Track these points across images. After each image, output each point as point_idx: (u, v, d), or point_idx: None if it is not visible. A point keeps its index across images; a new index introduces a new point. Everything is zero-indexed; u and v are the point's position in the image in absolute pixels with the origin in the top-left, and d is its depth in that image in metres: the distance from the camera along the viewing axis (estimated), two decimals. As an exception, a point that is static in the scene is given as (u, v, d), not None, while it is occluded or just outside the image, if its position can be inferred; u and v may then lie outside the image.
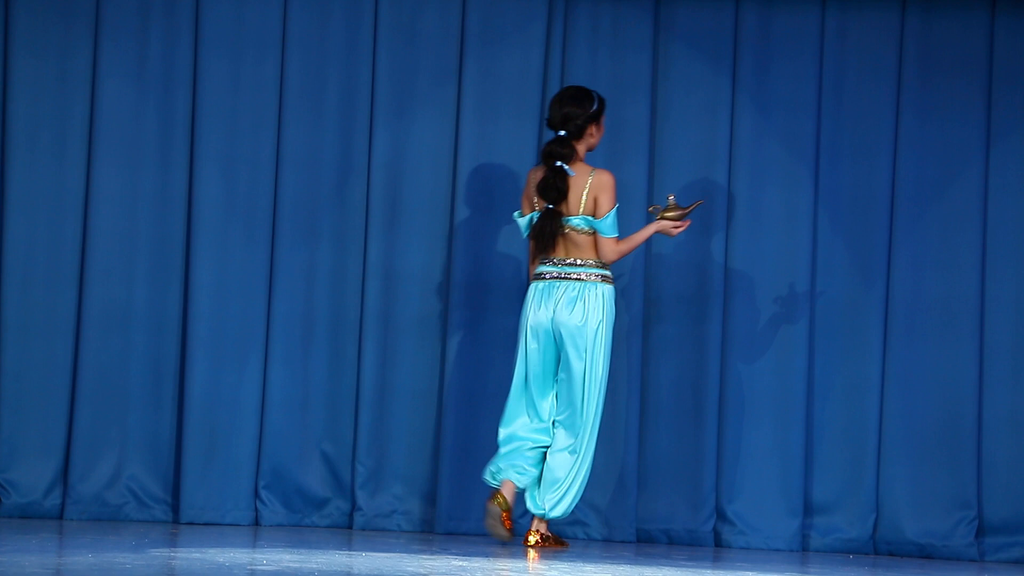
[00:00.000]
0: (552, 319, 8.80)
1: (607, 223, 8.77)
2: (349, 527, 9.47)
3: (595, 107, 8.84)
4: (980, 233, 9.72)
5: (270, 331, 9.51)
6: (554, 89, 9.59)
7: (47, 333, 9.40)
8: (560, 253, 8.83)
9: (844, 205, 9.77)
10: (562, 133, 8.79)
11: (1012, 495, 9.62)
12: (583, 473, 8.78)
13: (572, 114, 8.79)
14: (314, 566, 7.46)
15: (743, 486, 9.61)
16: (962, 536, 9.60)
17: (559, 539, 8.92)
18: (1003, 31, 9.76)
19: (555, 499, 8.76)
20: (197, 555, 7.75)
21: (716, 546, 9.56)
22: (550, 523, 9.02)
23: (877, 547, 9.64)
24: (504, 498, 8.73)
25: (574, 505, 8.83)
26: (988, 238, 9.73)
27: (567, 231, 8.81)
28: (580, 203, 8.78)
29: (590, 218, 8.78)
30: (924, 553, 9.60)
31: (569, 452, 8.76)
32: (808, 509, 9.62)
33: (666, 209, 8.93)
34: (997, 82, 9.75)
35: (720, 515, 9.61)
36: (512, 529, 8.79)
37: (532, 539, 8.79)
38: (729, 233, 9.66)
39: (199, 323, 9.43)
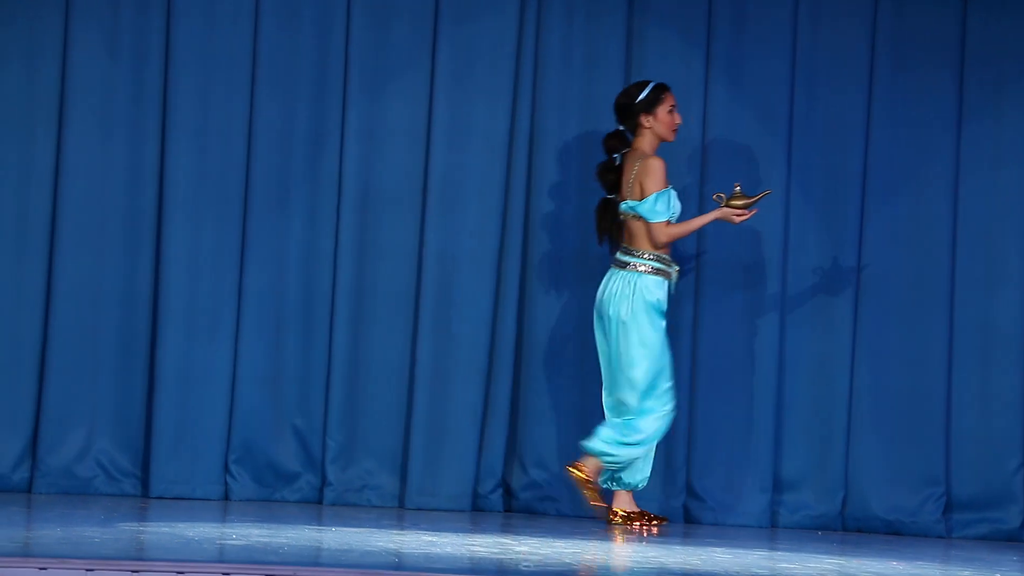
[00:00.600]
0: (599, 304, 9.06)
1: (646, 207, 8.95)
2: (319, 502, 9.47)
3: (642, 96, 9.06)
4: (951, 210, 9.75)
5: (242, 305, 9.49)
6: (528, 65, 9.59)
7: (16, 305, 9.37)
8: (623, 241, 9.10)
9: (816, 181, 9.78)
10: (620, 127, 9.13)
11: (980, 471, 9.66)
12: (623, 457, 8.87)
13: (621, 105, 9.11)
14: (284, 540, 7.46)
15: (713, 462, 9.63)
16: (930, 512, 9.64)
17: (642, 515, 8.99)
18: (975, 9, 9.77)
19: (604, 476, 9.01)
20: (166, 529, 7.75)
21: (686, 522, 9.58)
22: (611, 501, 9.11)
23: (846, 523, 9.68)
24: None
25: (621, 485, 8.96)
26: (959, 215, 9.75)
27: (623, 218, 9.09)
28: (629, 190, 9.03)
29: (633, 202, 8.90)
30: (892, 529, 9.64)
31: (604, 439, 8.87)
32: (777, 485, 9.65)
33: (731, 197, 9.06)
34: (969, 61, 9.77)
35: (690, 491, 9.63)
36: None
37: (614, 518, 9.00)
38: (701, 208, 9.66)
39: (170, 296, 9.40)
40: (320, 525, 8.37)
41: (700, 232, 9.55)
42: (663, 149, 9.22)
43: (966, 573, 7.81)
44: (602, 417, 9.22)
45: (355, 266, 9.56)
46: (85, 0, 9.39)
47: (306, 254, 9.57)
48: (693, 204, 9.63)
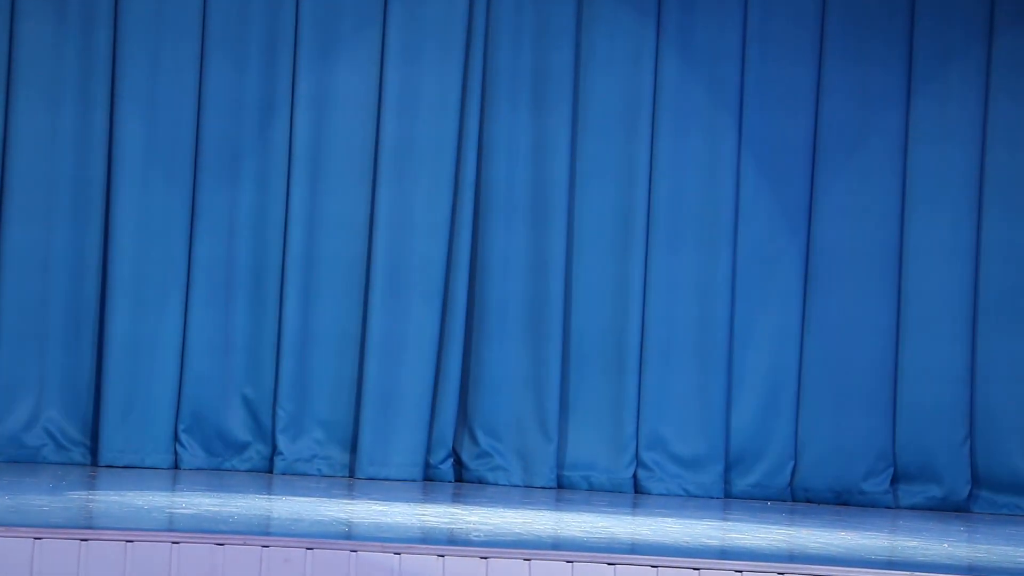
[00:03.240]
0: None
1: None
2: (269, 471, 9.45)
3: None
4: (900, 181, 9.80)
5: (191, 274, 9.45)
6: (479, 34, 9.57)
7: (-37, 275, 9.31)
8: None
9: (768, 153, 9.80)
10: None
11: (927, 443, 9.73)
12: None
13: None
14: (233, 509, 7.45)
15: (664, 433, 9.66)
16: (878, 483, 9.70)
17: None
18: (924, -22, 9.83)
19: None
20: (115, 498, 7.72)
21: (636, 492, 9.61)
22: None
23: (795, 494, 9.73)
24: None
25: None
26: (907, 186, 9.80)
27: None
28: None
29: None
30: (841, 500, 9.69)
31: None
32: (728, 456, 9.69)
33: None
34: (919, 30, 9.80)
35: (640, 462, 9.65)
36: None
37: None
38: (652, 180, 9.67)
39: (119, 265, 9.35)
40: (270, 495, 8.35)
41: (651, 201, 9.56)
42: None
43: (914, 543, 7.87)
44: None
45: (306, 235, 9.52)
46: (33, -34, 9.33)
47: (256, 222, 9.54)
48: (645, 175, 9.64)
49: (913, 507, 9.70)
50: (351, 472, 9.50)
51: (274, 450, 9.47)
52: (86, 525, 6.67)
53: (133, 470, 9.20)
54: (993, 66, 9.80)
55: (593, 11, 9.70)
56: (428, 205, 9.57)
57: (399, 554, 6.38)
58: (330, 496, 8.40)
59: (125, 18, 9.35)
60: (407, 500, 8.46)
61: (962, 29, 9.80)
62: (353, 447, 9.50)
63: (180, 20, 9.42)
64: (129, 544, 6.26)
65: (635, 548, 7.01)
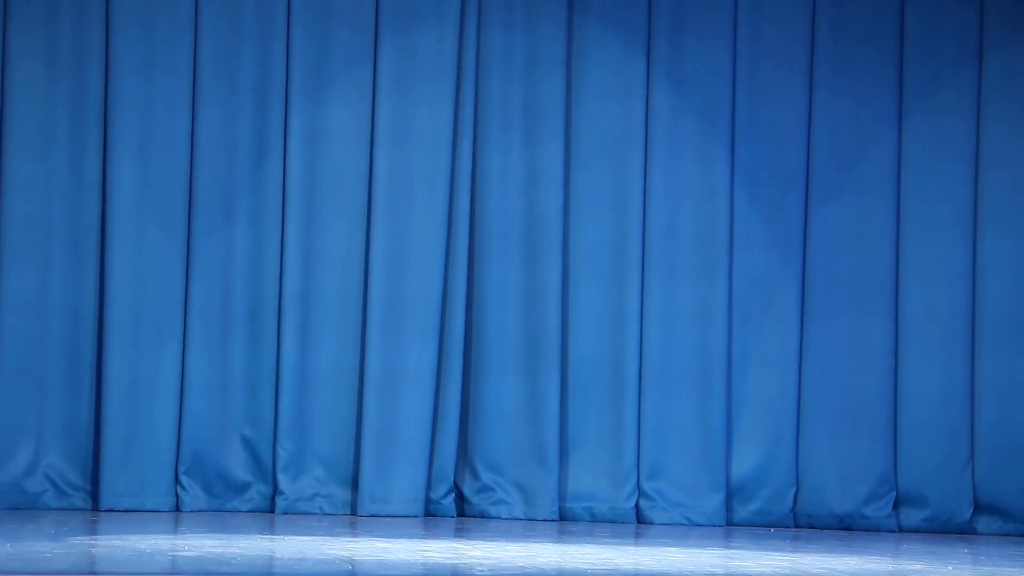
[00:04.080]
0: None
1: None
2: (271, 511, 9.43)
3: None
4: (894, 205, 9.81)
5: (188, 315, 9.44)
6: (469, 67, 9.59)
7: (-40, 321, 9.30)
8: None
9: (761, 179, 9.81)
10: None
11: (929, 466, 9.72)
12: None
13: None
14: (236, 550, 7.43)
15: (664, 462, 9.65)
16: (880, 507, 9.70)
17: None
18: (913, 1, 9.83)
19: None
20: (118, 542, 7.71)
21: (639, 522, 9.60)
22: None
23: (798, 520, 9.72)
24: None
25: None
26: (902, 207, 9.81)
27: None
28: None
29: None
30: (844, 525, 9.68)
31: None
32: (729, 483, 9.68)
33: None
34: (908, 53, 9.82)
35: (642, 492, 9.64)
36: None
37: None
38: (646, 209, 9.68)
39: (116, 308, 9.34)
40: (273, 534, 8.34)
41: (645, 229, 9.58)
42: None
43: (918, 566, 7.85)
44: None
45: (301, 273, 9.53)
46: (22, 10, 9.33)
47: (252, 262, 9.54)
48: (639, 204, 9.65)
49: (916, 530, 9.68)
50: (353, 510, 9.48)
51: (275, 490, 9.46)
52: (89, 571, 6.66)
53: (134, 514, 9.18)
54: (984, 85, 9.83)
55: (583, 41, 9.73)
56: (423, 239, 9.58)
57: (403, 592, 6.36)
58: (333, 534, 8.38)
59: (116, 60, 9.37)
60: (410, 536, 8.45)
61: (952, 49, 9.83)
62: (354, 484, 9.49)
63: (171, 62, 9.43)
64: (133, 589, 6.25)
65: (639, 579, 6.99)
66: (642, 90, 9.71)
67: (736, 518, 9.67)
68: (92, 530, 8.30)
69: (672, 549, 8.19)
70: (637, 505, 9.63)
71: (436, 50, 9.60)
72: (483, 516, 9.53)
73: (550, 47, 9.66)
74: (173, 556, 7.27)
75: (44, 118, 9.35)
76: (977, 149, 9.83)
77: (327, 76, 9.55)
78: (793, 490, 9.71)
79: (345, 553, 7.56)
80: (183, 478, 9.40)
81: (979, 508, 9.72)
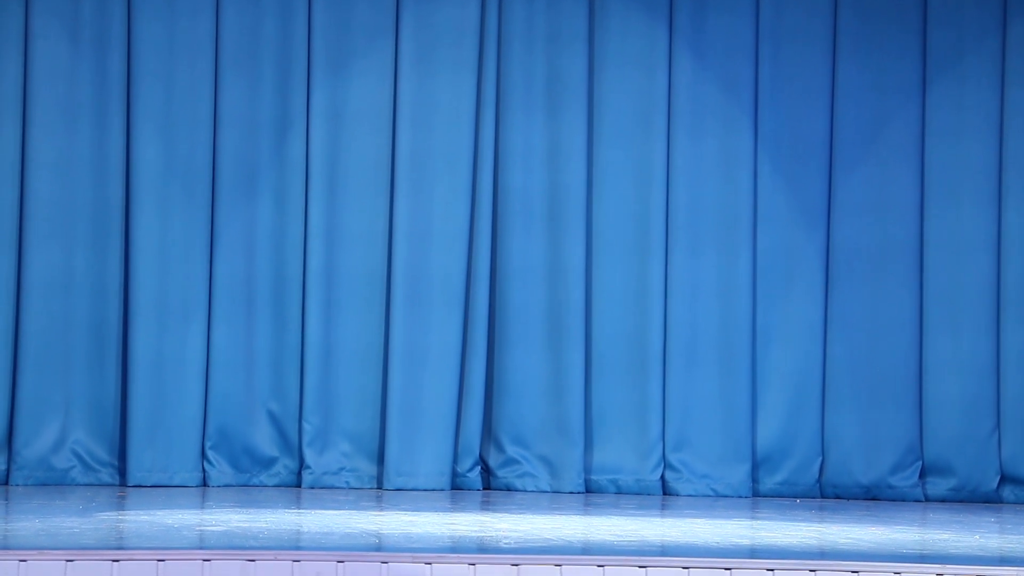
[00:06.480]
0: None
1: None
2: (297, 486, 9.46)
3: None
4: (918, 176, 9.78)
5: (213, 291, 9.47)
6: (491, 40, 9.58)
7: (-13, 300, 9.34)
8: None
9: (784, 150, 9.79)
10: None
11: (955, 435, 9.70)
12: None
13: None
14: (263, 525, 7.46)
15: (689, 434, 9.65)
16: (906, 477, 9.69)
17: None
18: (936, -28, 9.81)
19: None
20: (146, 517, 7.74)
21: (664, 494, 9.60)
22: None
23: (823, 491, 9.71)
24: None
25: None
26: (926, 178, 9.78)
27: None
28: None
29: None
30: (870, 495, 9.68)
31: None
32: (755, 455, 9.68)
33: None
34: (932, 22, 9.78)
35: (667, 464, 9.64)
36: None
37: None
38: (669, 183, 9.67)
39: (141, 285, 9.37)
40: (299, 509, 8.36)
41: (669, 201, 9.57)
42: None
43: (945, 535, 7.85)
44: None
45: (325, 249, 9.54)
46: (46, -10, 9.36)
47: (276, 239, 9.55)
48: (662, 178, 9.64)
49: (942, 500, 9.68)
50: (379, 484, 9.50)
51: (301, 464, 9.48)
52: (117, 546, 6.69)
53: (161, 489, 9.22)
54: (1008, 55, 9.79)
55: (605, 13, 9.71)
56: (446, 214, 9.58)
57: (430, 564, 6.38)
58: (359, 508, 8.40)
59: (138, 39, 9.38)
60: (436, 510, 8.46)
61: (976, 19, 9.79)
62: (380, 458, 9.51)
63: (193, 40, 9.44)
64: (160, 563, 6.28)
65: (665, 550, 7.00)
66: (664, 61, 9.69)
67: (762, 489, 9.67)
68: (120, 506, 8.34)
69: (698, 520, 8.19)
70: (663, 477, 9.63)
71: (458, 23, 9.59)
72: (509, 489, 9.55)
73: (572, 19, 9.64)
74: (200, 531, 7.30)
75: (67, 97, 9.37)
76: (1001, 120, 9.79)
77: (349, 51, 9.55)
78: (819, 461, 9.71)
79: (372, 527, 7.58)
80: (210, 453, 9.43)
81: (1005, 477, 9.71)
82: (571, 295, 9.61)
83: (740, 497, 9.57)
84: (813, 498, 9.66)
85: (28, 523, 7.41)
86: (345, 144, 9.58)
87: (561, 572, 6.41)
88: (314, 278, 9.52)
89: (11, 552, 6.26)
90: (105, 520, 7.61)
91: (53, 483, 9.28)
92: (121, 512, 8.02)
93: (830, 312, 9.75)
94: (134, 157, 9.40)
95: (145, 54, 9.38)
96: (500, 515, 8.21)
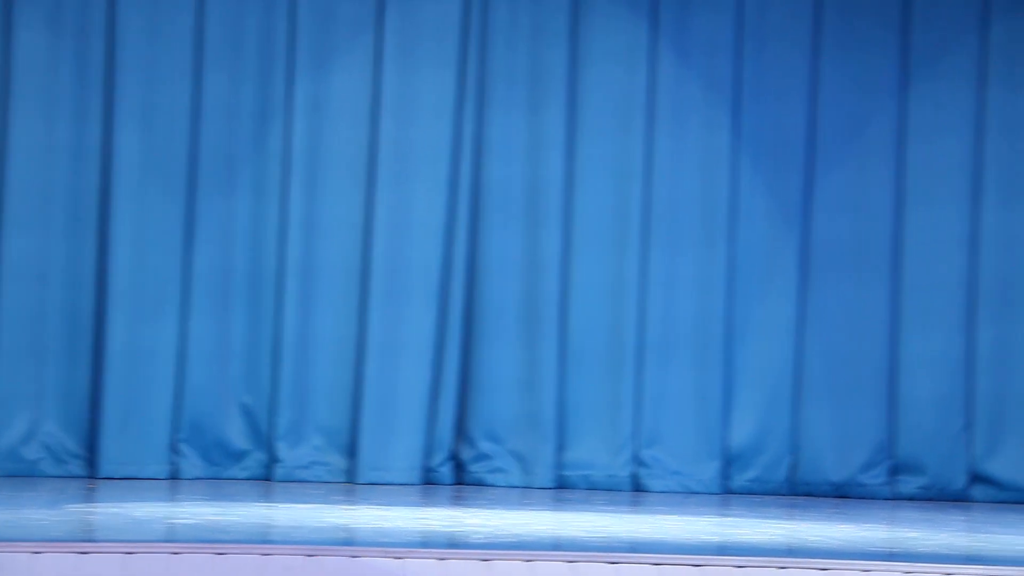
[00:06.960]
0: None
1: None
2: (269, 479, 9.44)
3: None
4: (896, 174, 9.79)
5: (188, 283, 9.45)
6: (475, 36, 9.58)
7: (-41, 288, 9.32)
8: None
9: (764, 146, 9.80)
10: None
11: (925, 433, 9.72)
12: None
13: None
14: (233, 518, 7.46)
15: (662, 430, 9.66)
16: (876, 475, 9.71)
17: None
18: (918, -31, 9.82)
19: None
20: (115, 510, 7.73)
21: (635, 490, 9.60)
22: None
23: (794, 488, 9.73)
24: None
25: None
26: (905, 176, 9.80)
27: None
28: None
29: None
30: (840, 493, 9.69)
31: None
32: (726, 451, 9.69)
33: None
34: (914, 19, 9.79)
35: (639, 459, 9.66)
36: None
37: None
38: (648, 178, 9.68)
39: (116, 276, 9.36)
40: (270, 502, 8.37)
41: (649, 197, 9.57)
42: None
43: (913, 534, 7.87)
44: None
45: (303, 241, 9.53)
46: (26, -22, 9.34)
47: (253, 230, 9.54)
48: (641, 173, 9.65)
49: (912, 498, 9.70)
50: (351, 477, 9.50)
51: (273, 457, 9.48)
52: (85, 538, 6.69)
53: (132, 481, 9.20)
54: (989, 54, 9.80)
55: (588, 9, 9.71)
56: (425, 208, 9.58)
57: (400, 559, 6.38)
58: (330, 502, 8.41)
59: (120, 28, 9.36)
60: (407, 504, 8.47)
61: (958, 18, 9.80)
62: (352, 452, 9.51)
63: (174, 30, 9.43)
64: (128, 556, 6.26)
65: (636, 547, 7.01)
66: (645, 57, 9.69)
67: (733, 486, 9.69)
68: (89, 498, 8.33)
69: (669, 517, 8.21)
70: (634, 473, 9.65)
71: (442, 18, 9.58)
72: (480, 484, 9.55)
73: (555, 15, 9.64)
74: (170, 524, 7.30)
75: (47, 85, 9.36)
76: (981, 119, 9.81)
77: (331, 43, 9.54)
78: (790, 458, 9.73)
79: (342, 521, 7.58)
80: (181, 446, 9.42)
81: (975, 475, 9.73)
82: (547, 289, 9.61)
83: (711, 494, 9.59)
84: (783, 495, 9.66)
85: (-3, 514, 7.40)
86: (326, 137, 9.57)
87: (531, 568, 6.41)
88: (291, 270, 9.51)
89: (-23, 544, 6.25)
90: (74, 512, 7.60)
91: (22, 475, 9.25)
92: (90, 504, 8.01)
93: (806, 308, 9.76)
94: (113, 146, 9.39)
95: (126, 43, 9.37)
96: (471, 510, 8.22)
